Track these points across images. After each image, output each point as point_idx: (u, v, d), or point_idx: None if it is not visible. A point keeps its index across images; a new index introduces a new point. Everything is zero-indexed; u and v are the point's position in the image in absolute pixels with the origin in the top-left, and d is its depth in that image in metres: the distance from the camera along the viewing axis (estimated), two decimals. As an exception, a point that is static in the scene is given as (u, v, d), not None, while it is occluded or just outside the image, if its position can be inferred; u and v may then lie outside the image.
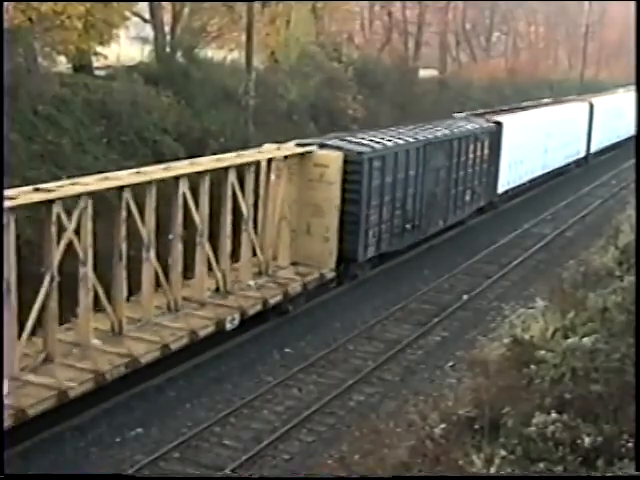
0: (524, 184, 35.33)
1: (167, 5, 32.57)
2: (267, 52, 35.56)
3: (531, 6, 67.94)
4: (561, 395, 12.59)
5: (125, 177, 16.30)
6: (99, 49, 26.64)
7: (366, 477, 12.23)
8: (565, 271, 22.83)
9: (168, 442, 14.36)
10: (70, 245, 14.90)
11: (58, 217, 14.55)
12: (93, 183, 15.61)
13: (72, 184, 15.28)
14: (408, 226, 24.08)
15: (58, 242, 14.61)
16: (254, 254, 19.82)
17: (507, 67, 63.41)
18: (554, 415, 11.82)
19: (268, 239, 20.17)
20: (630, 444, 11.21)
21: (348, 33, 47.88)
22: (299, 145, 21.31)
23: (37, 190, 14.56)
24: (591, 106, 44.13)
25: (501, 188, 32.50)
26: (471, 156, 28.21)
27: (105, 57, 27.95)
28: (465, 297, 22.56)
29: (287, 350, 18.62)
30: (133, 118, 24.87)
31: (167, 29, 32.29)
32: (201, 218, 17.80)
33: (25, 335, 14.14)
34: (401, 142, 23.48)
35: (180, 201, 17.17)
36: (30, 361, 14.58)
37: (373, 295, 22.26)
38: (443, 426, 12.46)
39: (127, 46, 32.64)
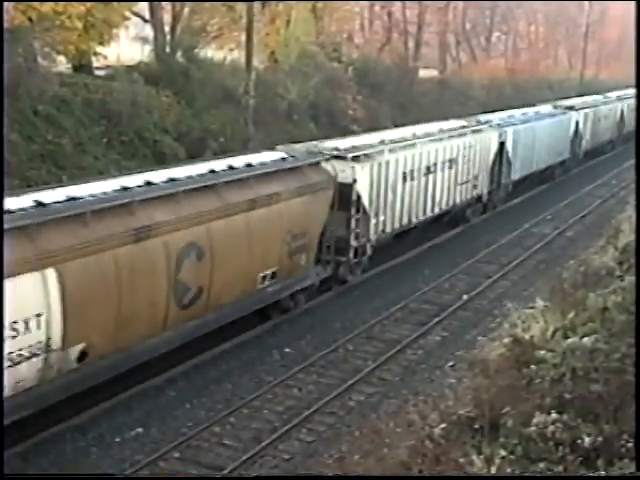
0: None
1: (167, 5, 32.59)
2: (267, 52, 35.61)
3: (531, 6, 67.97)
4: (561, 395, 12.56)
5: None
6: (99, 49, 26.68)
7: (366, 477, 12.22)
8: (565, 271, 22.77)
9: (168, 442, 14.34)
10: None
11: None
12: None
13: None
14: None
15: None
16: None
17: (507, 67, 63.46)
18: (554, 415, 11.79)
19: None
20: (630, 444, 11.18)
21: (348, 33, 47.91)
22: None
23: None
24: None
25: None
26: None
27: (105, 57, 27.99)
28: (465, 297, 22.54)
29: (287, 350, 18.59)
30: (133, 118, 24.87)
31: (167, 29, 32.32)
32: None
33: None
34: None
35: None
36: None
37: (373, 295, 22.25)
38: (443, 426, 12.42)
39: (127, 46, 32.70)
